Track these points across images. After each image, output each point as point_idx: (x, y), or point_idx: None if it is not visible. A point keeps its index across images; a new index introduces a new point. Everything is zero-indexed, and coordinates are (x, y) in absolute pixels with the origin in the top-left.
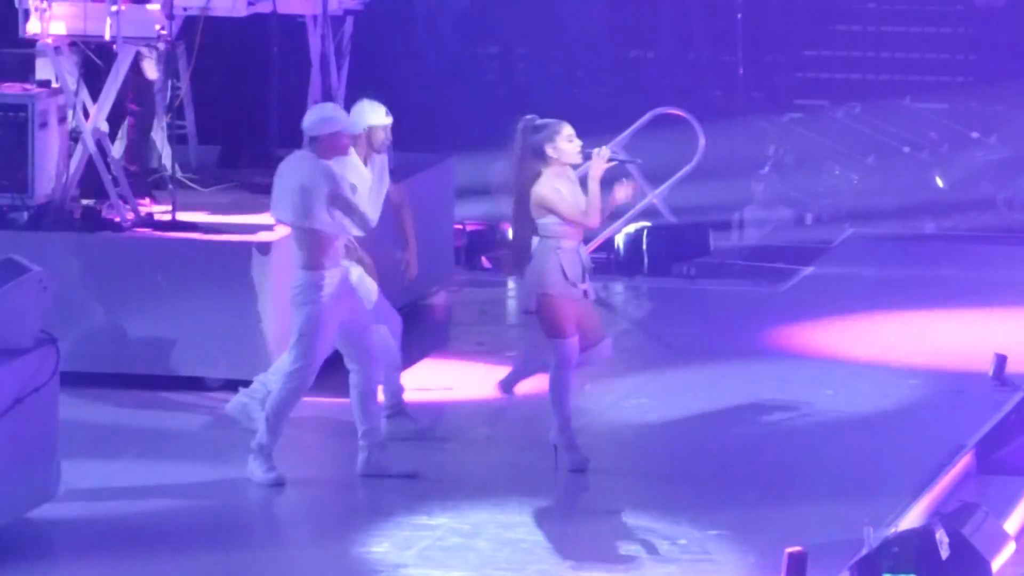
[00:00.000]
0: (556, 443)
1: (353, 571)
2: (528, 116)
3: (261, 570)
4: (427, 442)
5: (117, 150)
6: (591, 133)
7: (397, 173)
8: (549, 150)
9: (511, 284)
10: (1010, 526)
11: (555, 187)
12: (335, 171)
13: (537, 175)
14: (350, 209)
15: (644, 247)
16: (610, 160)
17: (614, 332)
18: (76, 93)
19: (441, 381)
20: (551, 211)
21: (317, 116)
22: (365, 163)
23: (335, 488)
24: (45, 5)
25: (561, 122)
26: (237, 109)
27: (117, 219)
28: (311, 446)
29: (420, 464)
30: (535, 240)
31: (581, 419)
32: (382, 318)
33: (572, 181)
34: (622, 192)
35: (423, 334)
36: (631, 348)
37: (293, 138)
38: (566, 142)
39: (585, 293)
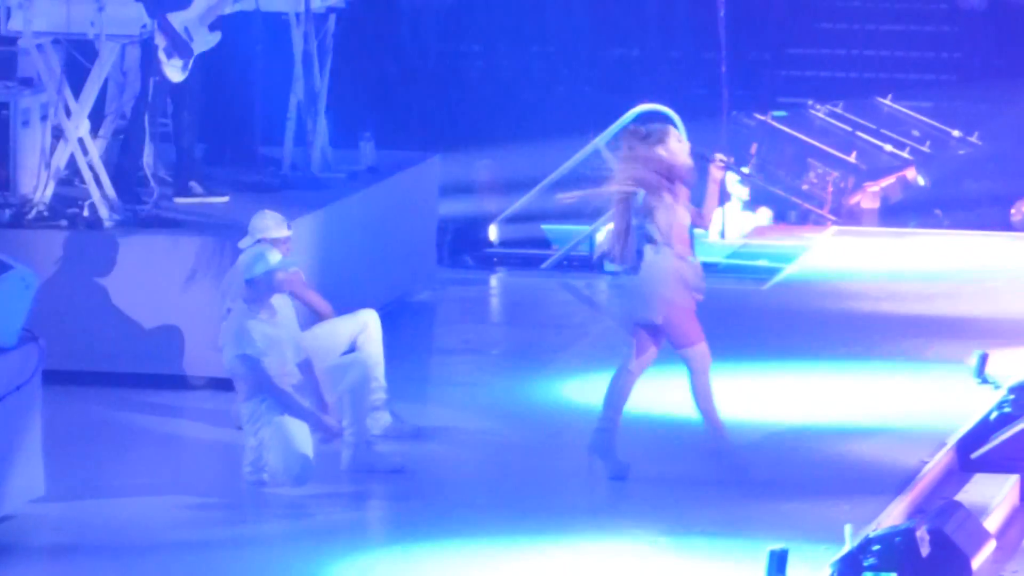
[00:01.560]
0: (714, 447)
1: (330, 569)
2: (633, 126)
3: (243, 569)
4: (412, 440)
5: (100, 148)
6: (574, 131)
7: (381, 171)
8: (663, 152)
9: (493, 282)
10: (991, 524)
11: (667, 193)
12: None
13: (653, 181)
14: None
15: None
16: (723, 163)
17: (601, 328)
18: (58, 91)
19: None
20: (665, 215)
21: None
22: None
23: (320, 484)
24: (28, 2)
25: (666, 125)
26: (220, 107)
27: (99, 216)
28: None
29: (407, 460)
30: (649, 248)
31: (563, 418)
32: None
33: (679, 189)
34: (716, 172)
35: (407, 332)
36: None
37: (276, 136)
38: (676, 143)
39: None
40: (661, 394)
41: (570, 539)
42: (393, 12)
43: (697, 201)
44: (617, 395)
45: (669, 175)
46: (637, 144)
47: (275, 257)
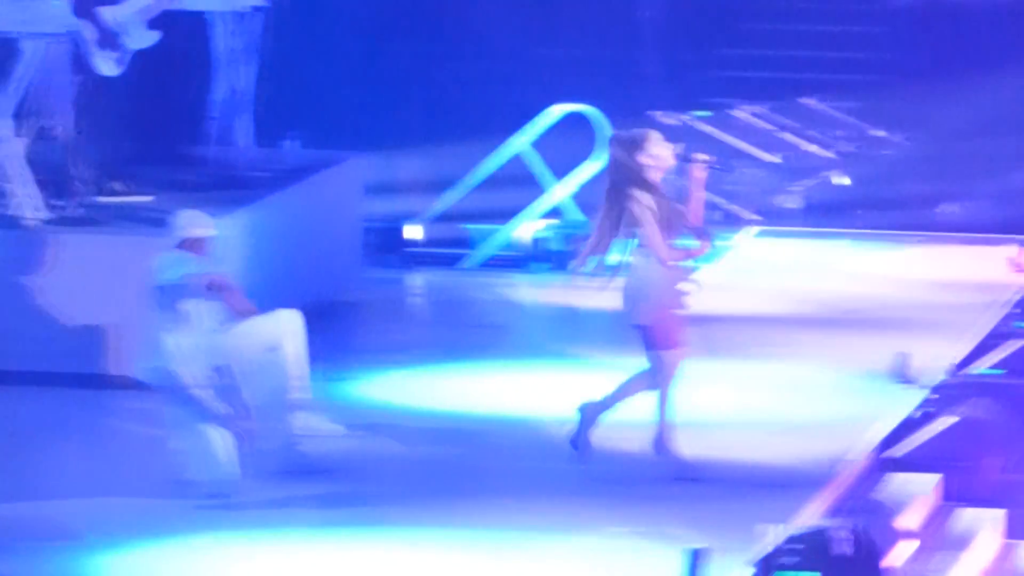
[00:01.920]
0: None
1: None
2: (616, 131)
3: (169, 569)
4: (336, 439)
5: (24, 147)
6: (500, 132)
7: (306, 170)
8: (645, 159)
9: (418, 281)
10: (911, 523)
11: (649, 198)
12: None
13: (638, 186)
14: None
15: (549, 245)
16: (707, 164)
17: (524, 327)
18: None
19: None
20: (649, 221)
21: None
22: None
23: (245, 485)
24: None
25: (648, 130)
26: (145, 106)
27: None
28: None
29: (331, 459)
30: (638, 253)
31: (486, 416)
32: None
33: (663, 192)
34: (698, 171)
35: (330, 331)
36: (531, 341)
37: (199, 136)
38: (658, 147)
39: (676, 293)
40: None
41: (485, 542)
42: (319, 11)
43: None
44: (624, 388)
45: (652, 181)
46: (620, 152)
47: (188, 262)
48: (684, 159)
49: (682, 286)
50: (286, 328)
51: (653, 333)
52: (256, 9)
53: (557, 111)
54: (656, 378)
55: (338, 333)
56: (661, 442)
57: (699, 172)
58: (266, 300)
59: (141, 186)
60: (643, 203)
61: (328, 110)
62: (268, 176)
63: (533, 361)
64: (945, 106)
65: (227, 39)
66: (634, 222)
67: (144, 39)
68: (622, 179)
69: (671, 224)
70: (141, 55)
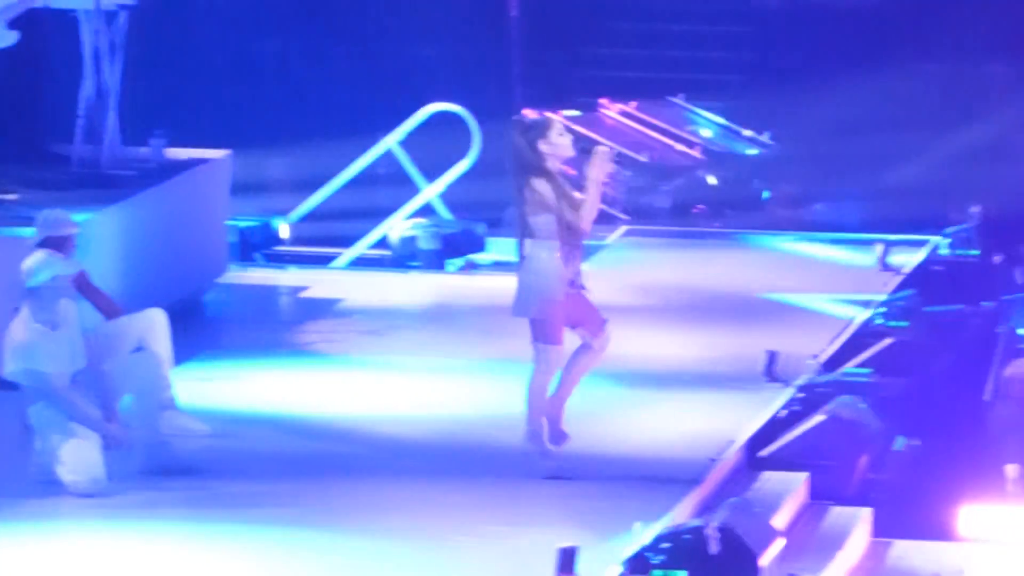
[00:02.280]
0: (529, 448)
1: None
2: (515, 117)
3: (31, 570)
4: (203, 439)
5: None
6: (367, 132)
7: (172, 169)
8: (543, 146)
9: (284, 280)
10: (779, 521)
11: (547, 187)
12: None
13: (535, 173)
14: None
15: (419, 244)
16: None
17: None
18: None
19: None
20: (544, 210)
21: None
22: None
23: (111, 486)
24: None
25: (547, 117)
26: (9, 103)
27: None
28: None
29: (197, 459)
30: (529, 243)
31: (353, 416)
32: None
33: (561, 182)
34: (595, 170)
35: (196, 331)
36: (400, 339)
37: (65, 134)
38: (558, 136)
39: (572, 283)
40: (436, 393)
41: (347, 544)
42: (185, 9)
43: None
44: (534, 397)
45: (549, 169)
46: (520, 136)
47: (58, 263)
48: (583, 150)
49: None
50: (152, 328)
51: (543, 326)
52: (122, 7)
53: (427, 110)
54: (538, 371)
55: (204, 332)
56: (533, 441)
57: (596, 166)
58: (131, 299)
59: (6, 184)
60: (538, 190)
61: (195, 108)
62: (135, 175)
63: (400, 359)
64: (812, 106)
65: (93, 37)
66: (529, 210)
67: (6, 39)
68: (520, 165)
69: (567, 213)
70: (6, 54)
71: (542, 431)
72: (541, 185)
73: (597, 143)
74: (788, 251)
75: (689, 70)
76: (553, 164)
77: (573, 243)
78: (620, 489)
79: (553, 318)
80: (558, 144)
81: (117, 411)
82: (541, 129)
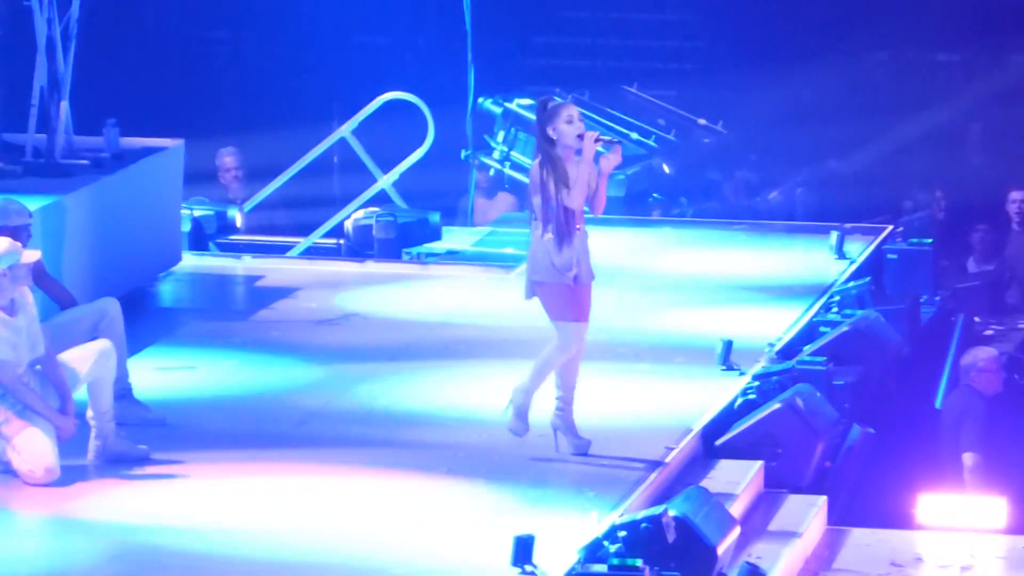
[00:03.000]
0: (555, 426)
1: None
2: (543, 97)
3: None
4: (158, 427)
5: None
6: (320, 119)
7: (125, 158)
8: (550, 131)
9: (239, 269)
10: (735, 509)
11: (541, 171)
12: None
13: (539, 155)
14: None
15: (374, 233)
16: (598, 140)
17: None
18: None
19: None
20: (537, 191)
21: None
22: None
23: (65, 476)
24: None
25: (565, 103)
26: None
27: None
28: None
29: (153, 447)
30: (532, 226)
31: (308, 407)
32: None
33: (563, 168)
34: (608, 162)
35: (150, 320)
36: (355, 333)
37: (19, 123)
38: (564, 123)
39: (576, 279)
40: (403, 381)
41: (304, 533)
42: None
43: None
44: (543, 368)
45: (554, 155)
46: (539, 117)
47: (16, 251)
48: (579, 137)
49: (568, 261)
50: (106, 317)
51: (549, 305)
52: None
53: (382, 99)
54: (555, 347)
55: (158, 321)
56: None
57: (588, 151)
58: (85, 289)
59: None
60: (533, 173)
61: (148, 97)
62: (88, 164)
63: (355, 348)
64: (764, 94)
65: (47, 26)
66: (531, 191)
67: None
68: (536, 147)
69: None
70: None
71: (528, 408)
72: (536, 168)
73: (613, 135)
74: (743, 239)
75: (642, 59)
76: (562, 150)
77: (565, 228)
78: (576, 478)
79: (555, 296)
80: (563, 132)
81: (71, 401)
82: (551, 113)
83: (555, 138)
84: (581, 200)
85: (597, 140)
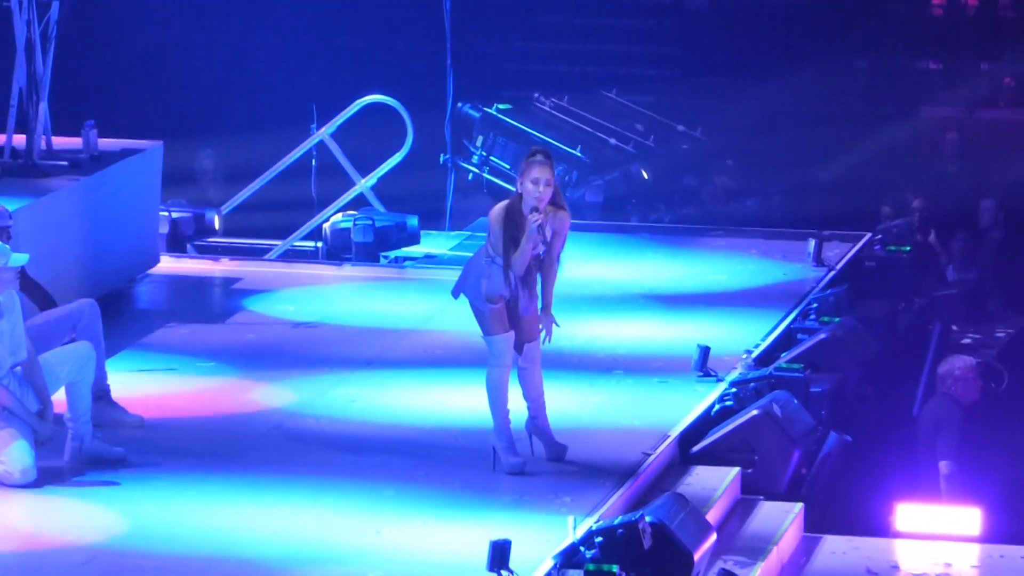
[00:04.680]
0: (494, 445)
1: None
2: (535, 147)
3: None
4: (136, 429)
5: None
6: (299, 122)
7: (104, 159)
8: (518, 185)
9: (216, 271)
10: (711, 516)
11: (499, 219)
12: None
13: (506, 199)
14: None
15: (352, 236)
16: (540, 224)
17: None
18: None
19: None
20: (492, 233)
21: None
22: None
23: (43, 478)
24: None
25: (539, 162)
26: None
27: None
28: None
29: (129, 449)
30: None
31: (279, 412)
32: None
33: (519, 222)
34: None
35: (127, 322)
36: (333, 337)
37: None
38: (530, 183)
39: (511, 308)
40: (378, 391)
41: (281, 537)
42: (117, 0)
43: None
44: (489, 391)
45: (516, 203)
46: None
47: (8, 254)
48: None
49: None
50: (84, 319)
51: (480, 321)
52: None
53: (361, 102)
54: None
55: (135, 323)
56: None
57: (529, 227)
58: (63, 290)
59: None
60: (492, 216)
61: (127, 99)
62: (66, 165)
63: (332, 351)
64: (742, 101)
65: (25, 27)
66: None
67: None
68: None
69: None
70: None
71: (508, 424)
72: (498, 210)
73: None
74: (720, 246)
75: (621, 64)
76: (524, 206)
77: (507, 277)
78: (553, 483)
79: (480, 314)
80: (526, 191)
81: (50, 402)
82: (523, 168)
83: (521, 191)
84: (521, 270)
85: (538, 224)
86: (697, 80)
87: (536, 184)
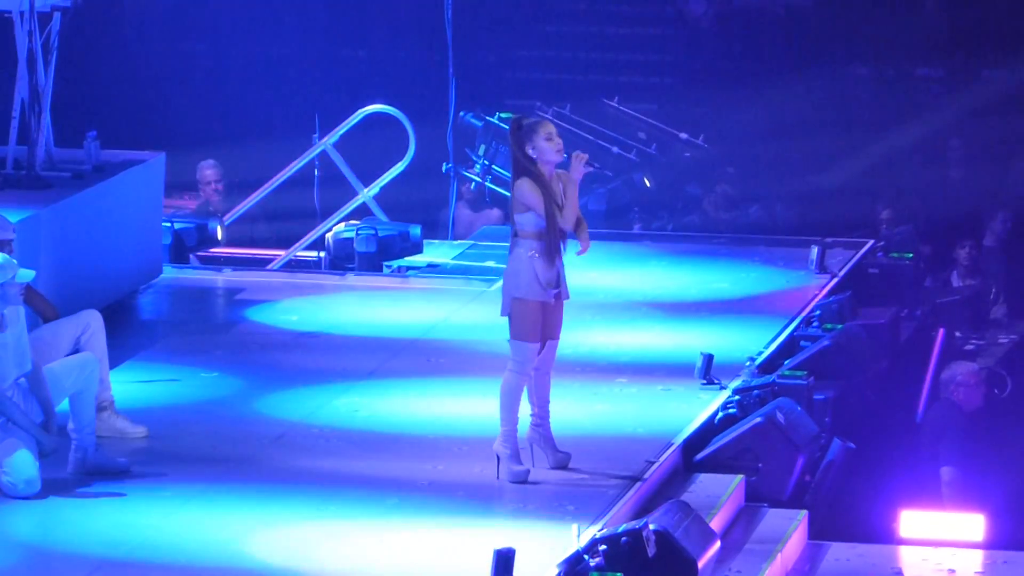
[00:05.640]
0: (498, 453)
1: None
2: (516, 116)
3: None
4: (140, 441)
5: None
6: (302, 131)
7: (106, 170)
8: (529, 150)
9: (219, 282)
10: (716, 524)
11: (531, 187)
12: None
13: (521, 173)
14: None
15: (355, 246)
16: (589, 164)
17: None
18: None
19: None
20: (528, 208)
21: None
22: None
23: (47, 490)
24: None
25: (542, 121)
26: None
27: None
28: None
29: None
30: (512, 241)
31: (281, 424)
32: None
33: (548, 184)
34: (574, 173)
35: (131, 333)
36: (336, 347)
37: (1, 135)
38: (544, 140)
39: (556, 296)
40: (384, 396)
41: (283, 544)
42: (118, 10)
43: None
44: (505, 396)
45: (535, 171)
46: (514, 136)
47: (14, 268)
48: (557, 152)
49: (553, 278)
50: (88, 329)
51: (513, 323)
52: (56, 8)
53: (363, 111)
54: (510, 369)
55: (139, 334)
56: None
57: (577, 172)
58: (67, 302)
59: None
60: (522, 190)
61: (129, 110)
62: (68, 176)
63: (335, 361)
64: (744, 109)
65: (27, 39)
66: (514, 208)
67: None
68: (512, 164)
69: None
70: None
71: (516, 433)
72: (526, 185)
73: (575, 152)
74: (723, 253)
75: (623, 73)
76: (543, 166)
77: (555, 245)
78: (557, 492)
79: (524, 316)
80: (544, 148)
81: (54, 414)
82: (528, 131)
83: (535, 156)
84: (573, 220)
85: (588, 164)
86: (699, 88)
87: (551, 139)
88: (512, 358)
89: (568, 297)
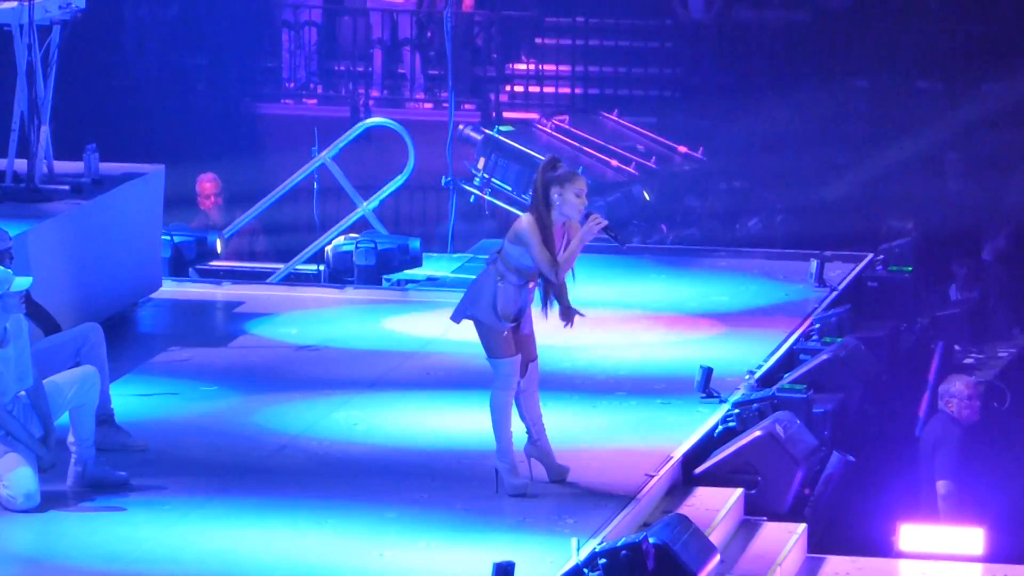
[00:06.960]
0: (497, 467)
1: None
2: (553, 155)
3: None
4: (139, 454)
5: None
6: (305, 144)
7: (105, 183)
8: (554, 194)
9: (218, 295)
10: (715, 537)
11: (535, 229)
12: None
13: (534, 211)
14: None
15: (354, 259)
16: (604, 230)
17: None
18: None
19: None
20: (522, 244)
21: None
22: None
23: (47, 503)
24: None
25: (579, 175)
26: None
27: None
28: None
29: (132, 473)
30: (495, 260)
31: (281, 436)
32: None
33: (550, 233)
34: (587, 235)
35: (130, 346)
36: (335, 360)
37: (0, 148)
38: (574, 195)
39: (515, 330)
40: (378, 412)
41: (287, 556)
42: (118, 24)
43: None
44: (493, 413)
45: (547, 214)
46: (544, 173)
47: (13, 278)
48: (584, 215)
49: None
50: (88, 343)
51: (486, 343)
52: (56, 22)
53: (363, 124)
54: (494, 387)
55: (138, 347)
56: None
57: (589, 234)
58: (66, 315)
59: None
60: (525, 226)
61: (128, 123)
62: (67, 189)
63: (335, 374)
64: (743, 122)
65: (26, 51)
66: (509, 237)
67: None
68: (532, 197)
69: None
70: None
71: (511, 446)
72: (530, 223)
73: (594, 214)
74: (722, 266)
75: (622, 86)
76: (557, 216)
77: (529, 286)
78: (556, 505)
79: (490, 333)
80: (569, 201)
81: (53, 428)
82: (562, 178)
83: (556, 202)
84: (565, 274)
85: (603, 231)
86: (698, 101)
87: (580, 196)
88: (495, 376)
89: (530, 332)
